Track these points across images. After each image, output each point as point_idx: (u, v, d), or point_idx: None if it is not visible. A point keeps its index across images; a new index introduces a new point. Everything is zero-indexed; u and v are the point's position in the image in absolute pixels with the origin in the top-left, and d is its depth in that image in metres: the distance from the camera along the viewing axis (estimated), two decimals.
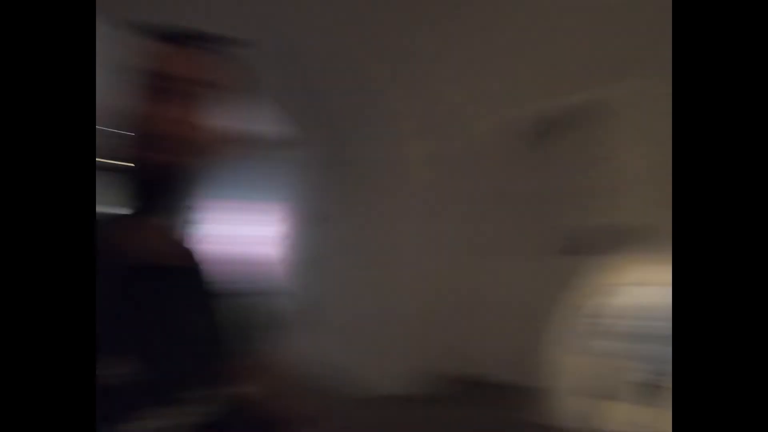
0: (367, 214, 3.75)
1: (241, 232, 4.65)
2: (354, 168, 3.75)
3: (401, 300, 4.16)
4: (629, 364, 4.03)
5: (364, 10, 3.39)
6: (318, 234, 4.32)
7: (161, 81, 1.12)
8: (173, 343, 1.04)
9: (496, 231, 4.60)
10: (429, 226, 4.31)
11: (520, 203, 4.59)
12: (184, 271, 1.14)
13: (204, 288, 1.16)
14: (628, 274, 4.01)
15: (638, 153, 3.87)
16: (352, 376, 3.96)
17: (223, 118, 1.12)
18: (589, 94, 3.92)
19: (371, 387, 3.98)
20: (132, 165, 1.13)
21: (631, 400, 4.07)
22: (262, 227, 6.64)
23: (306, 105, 4.04)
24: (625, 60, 3.54)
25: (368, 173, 3.79)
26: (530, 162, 4.48)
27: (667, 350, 3.40)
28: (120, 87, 1.12)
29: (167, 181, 1.13)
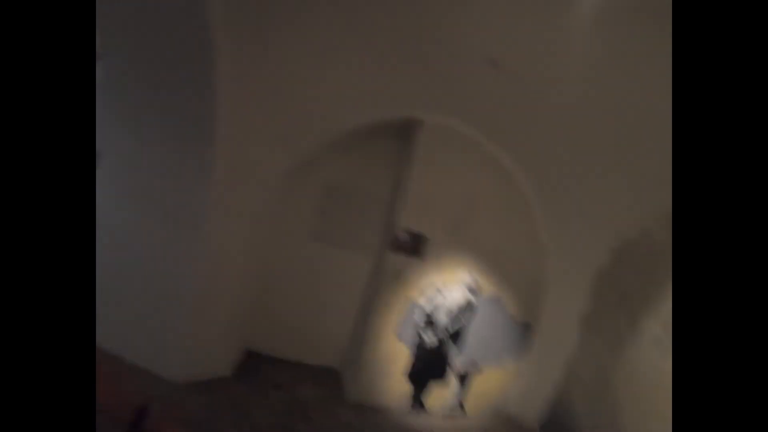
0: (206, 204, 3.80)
1: None
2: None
3: (226, 283, 4.12)
4: (445, 352, 4.77)
5: None
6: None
7: None
8: None
9: (329, 224, 5.04)
10: (268, 215, 4.48)
11: (356, 200, 5.12)
12: None
13: None
14: (446, 275, 4.73)
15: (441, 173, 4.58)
16: (174, 361, 3.82)
17: None
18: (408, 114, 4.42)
19: (194, 370, 3.94)
20: None
21: (448, 385, 4.81)
22: None
23: None
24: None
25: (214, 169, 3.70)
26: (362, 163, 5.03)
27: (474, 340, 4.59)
28: None
29: None
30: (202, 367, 3.96)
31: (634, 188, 4.11)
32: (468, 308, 4.76)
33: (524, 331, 5.04)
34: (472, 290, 4.77)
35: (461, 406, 4.88)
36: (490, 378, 4.97)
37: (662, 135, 3.34)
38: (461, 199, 4.68)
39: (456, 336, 4.78)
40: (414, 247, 4.55)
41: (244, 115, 3.58)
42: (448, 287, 4.69)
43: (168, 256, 3.75)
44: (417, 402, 4.76)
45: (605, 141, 3.97)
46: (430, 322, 4.67)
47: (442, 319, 4.70)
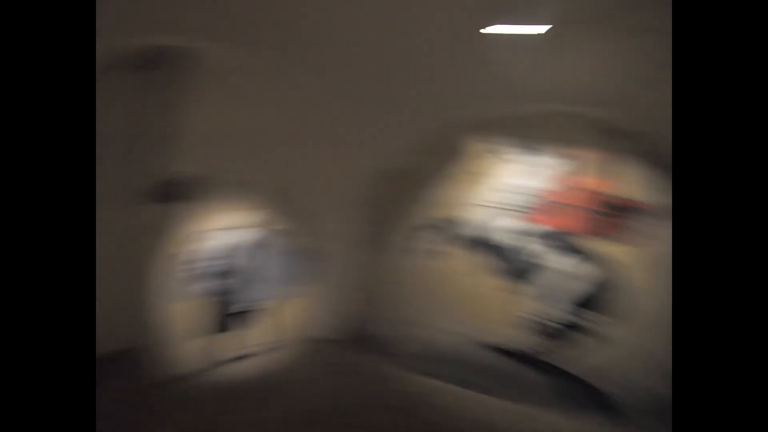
0: None
1: None
2: None
3: None
4: (225, 299, 4.59)
5: None
6: None
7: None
8: None
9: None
10: None
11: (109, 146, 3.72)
12: None
13: None
14: (212, 221, 4.29)
15: (214, 107, 3.80)
16: None
17: None
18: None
19: None
20: None
21: (233, 328, 4.67)
22: None
23: None
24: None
25: None
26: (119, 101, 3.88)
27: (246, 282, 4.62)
28: None
29: None
30: None
31: (396, 120, 4.50)
32: (251, 245, 4.61)
33: (313, 257, 5.12)
34: (256, 227, 4.59)
35: (267, 342, 4.80)
36: (290, 308, 5.02)
37: (425, 71, 3.92)
38: (236, 134, 4.02)
39: (246, 276, 4.60)
40: (179, 192, 3.74)
41: None
42: (228, 229, 4.36)
43: None
44: (222, 353, 4.41)
45: (377, 74, 4.01)
46: (217, 269, 4.31)
47: (224, 263, 4.38)
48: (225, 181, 4.10)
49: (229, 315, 4.52)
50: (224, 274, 4.43)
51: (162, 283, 3.99)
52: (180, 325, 4.16)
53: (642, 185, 3.91)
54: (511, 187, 4.64)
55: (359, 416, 3.53)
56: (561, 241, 4.36)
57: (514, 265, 4.51)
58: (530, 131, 4.28)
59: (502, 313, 4.51)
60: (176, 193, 3.77)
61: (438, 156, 4.74)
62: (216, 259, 4.36)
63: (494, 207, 4.74)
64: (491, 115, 4.36)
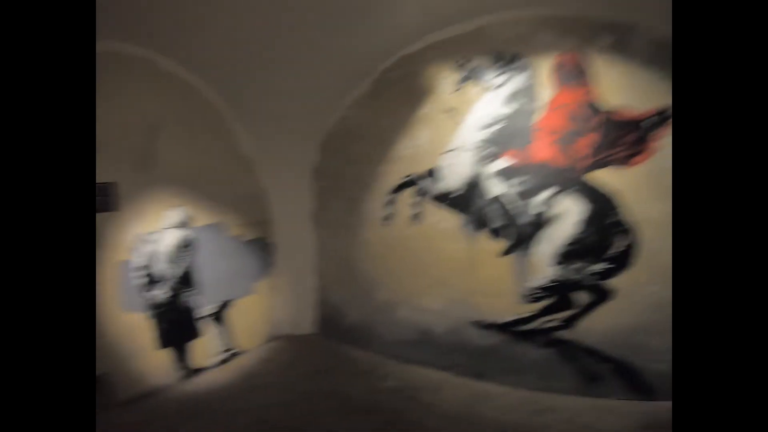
0: None
1: None
2: None
3: None
4: (185, 301, 4.26)
5: None
6: None
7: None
8: None
9: None
10: None
11: None
12: None
13: None
14: (150, 218, 4.08)
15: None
16: None
17: None
18: None
19: None
20: None
21: (207, 332, 4.42)
22: None
23: None
24: None
25: None
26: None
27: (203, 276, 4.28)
28: None
29: None
30: None
31: (324, 82, 4.30)
32: (186, 246, 4.27)
33: (262, 248, 4.98)
34: (183, 225, 4.25)
35: (230, 347, 4.57)
36: (248, 307, 4.77)
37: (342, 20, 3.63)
38: (143, 130, 3.94)
39: (187, 280, 4.27)
40: (102, 200, 3.67)
41: None
42: (157, 231, 4.07)
43: None
44: (185, 366, 4.19)
45: (284, 39, 3.81)
46: (151, 276, 4.03)
47: (163, 268, 4.09)
48: (142, 179, 3.93)
49: (179, 324, 4.22)
50: (162, 282, 4.09)
51: (113, 295, 3.69)
52: (133, 344, 3.84)
53: (637, 90, 3.33)
54: (493, 119, 3.83)
55: (340, 421, 3.36)
56: (557, 180, 3.61)
57: (510, 221, 3.77)
58: (504, 44, 3.74)
59: (499, 283, 3.78)
60: (100, 203, 3.64)
61: (401, 97, 4.27)
62: (148, 267, 4.00)
63: (479, 149, 3.90)
64: (456, 32, 3.91)
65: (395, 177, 4.32)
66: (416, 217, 4.19)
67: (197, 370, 4.23)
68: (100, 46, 3.47)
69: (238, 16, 3.57)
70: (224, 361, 4.45)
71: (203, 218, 4.35)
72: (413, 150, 4.20)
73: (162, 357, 3.99)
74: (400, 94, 4.24)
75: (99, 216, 3.54)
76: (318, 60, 4.05)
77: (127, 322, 3.74)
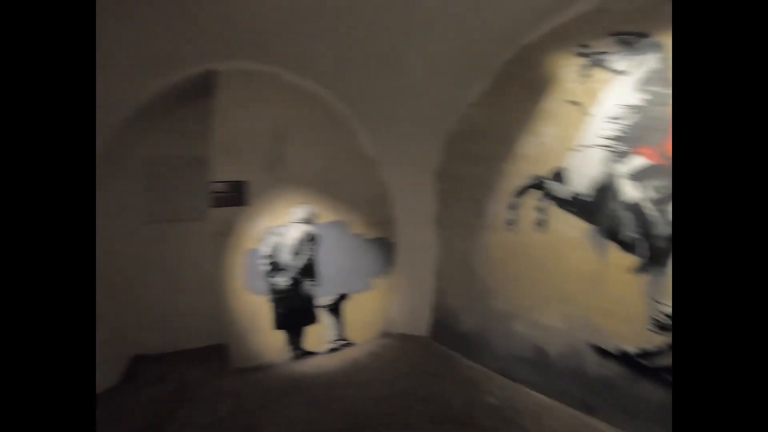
0: None
1: None
2: None
3: None
4: (304, 291, 4.63)
5: None
6: None
7: None
8: None
9: (157, 200, 4.76)
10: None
11: (178, 168, 4.88)
12: None
13: None
14: (278, 214, 4.51)
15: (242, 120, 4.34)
16: None
17: None
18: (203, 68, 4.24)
19: None
20: None
21: (321, 320, 4.72)
22: None
23: None
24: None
25: None
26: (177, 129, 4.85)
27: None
28: None
29: None
30: None
31: (444, 80, 4.21)
32: (310, 240, 4.61)
33: (383, 247, 5.09)
34: (308, 221, 4.60)
35: (342, 338, 4.84)
36: (364, 302, 4.96)
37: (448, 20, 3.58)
38: (271, 135, 4.44)
39: (308, 271, 4.62)
40: (234, 196, 4.28)
41: None
42: (284, 225, 4.50)
43: None
44: (296, 348, 4.58)
45: (400, 39, 3.87)
46: (275, 265, 4.46)
47: (286, 258, 4.50)
48: (270, 179, 4.44)
49: (297, 311, 4.61)
50: (284, 271, 4.52)
51: (240, 278, 4.31)
52: (253, 323, 4.40)
53: None
54: (623, 110, 3.19)
55: (431, 428, 3.25)
56: None
57: (645, 232, 3.07)
58: (629, 22, 3.14)
59: (628, 304, 3.09)
60: (232, 197, 4.28)
61: (523, 90, 3.91)
62: (273, 256, 4.47)
63: (608, 146, 3.29)
64: (576, 12, 3.43)
65: (519, 177, 3.95)
66: (540, 223, 3.75)
67: (307, 354, 4.60)
68: (232, 65, 4.21)
69: (353, 24, 3.79)
70: (334, 350, 4.74)
71: (327, 216, 4.71)
72: (538, 148, 3.78)
73: (277, 337, 4.47)
74: (522, 87, 3.89)
75: (232, 209, 4.23)
76: (437, 58, 4.02)
77: (249, 303, 4.32)
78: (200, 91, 4.29)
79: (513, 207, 4.01)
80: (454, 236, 4.70)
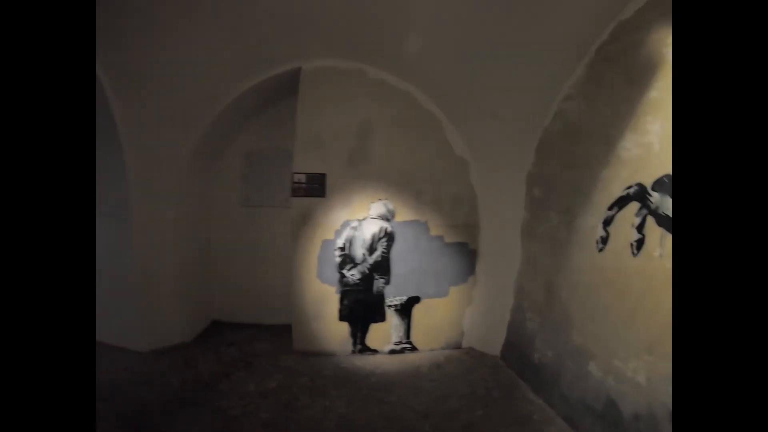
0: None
1: None
2: None
3: (163, 262, 4.49)
4: (374, 287, 4.58)
5: None
6: None
7: None
8: None
9: (252, 187, 5.32)
10: (196, 192, 4.83)
11: (270, 160, 5.34)
12: None
13: None
14: (355, 207, 4.53)
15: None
16: (135, 335, 4.44)
17: None
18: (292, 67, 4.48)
19: (155, 341, 4.48)
20: None
21: (388, 319, 4.61)
22: None
23: None
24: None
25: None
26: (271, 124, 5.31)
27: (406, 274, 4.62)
28: None
29: None
30: (162, 337, 4.52)
31: (535, 72, 3.72)
32: (385, 237, 4.50)
33: (463, 253, 4.71)
34: (385, 218, 4.51)
35: (408, 341, 4.67)
36: (436, 308, 4.70)
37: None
38: (354, 129, 4.47)
39: (381, 268, 4.54)
40: (313, 187, 4.43)
41: (140, 116, 3.95)
42: (361, 219, 4.50)
43: (108, 247, 4.23)
44: (359, 343, 4.59)
45: (493, 32, 3.54)
46: (348, 258, 4.49)
47: (360, 252, 4.49)
48: (351, 172, 4.51)
49: (364, 306, 4.58)
50: (357, 264, 4.53)
51: (313, 266, 4.50)
52: (319, 310, 4.54)
53: None
54: None
55: None
56: None
57: None
58: None
59: None
60: (312, 188, 4.47)
61: (623, 78, 3.10)
62: (346, 249, 4.52)
63: None
64: None
65: (619, 185, 3.14)
66: (637, 245, 2.93)
67: (369, 350, 4.58)
68: (318, 62, 4.40)
69: (440, 17, 3.61)
70: (396, 352, 4.61)
71: (407, 214, 4.59)
72: (642, 149, 2.94)
73: (341, 328, 4.55)
74: (620, 73, 3.10)
75: (312, 200, 4.45)
76: (525, 49, 3.55)
77: (319, 291, 4.50)
78: (290, 88, 4.60)
79: (607, 222, 3.24)
80: (540, 250, 4.05)
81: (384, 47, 4.20)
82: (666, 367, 2.61)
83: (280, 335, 4.88)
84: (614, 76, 3.19)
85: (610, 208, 3.20)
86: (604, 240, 3.25)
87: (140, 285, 4.34)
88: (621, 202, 3.10)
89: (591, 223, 3.40)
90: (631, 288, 2.96)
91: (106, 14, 3.19)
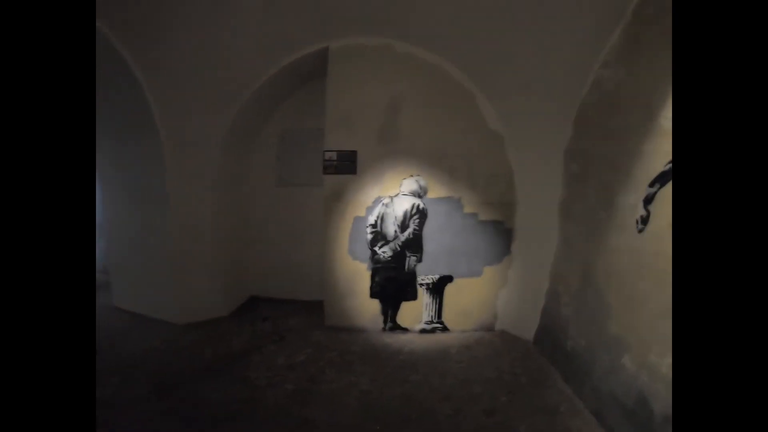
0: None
1: None
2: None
3: (201, 240, 4.70)
4: (405, 265, 4.55)
5: None
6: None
7: None
8: None
9: (287, 166, 5.46)
10: (232, 172, 5.04)
11: (303, 139, 5.42)
12: None
13: None
14: (386, 184, 4.48)
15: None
16: (174, 308, 4.71)
17: None
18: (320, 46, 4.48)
19: (192, 314, 4.74)
20: None
21: (420, 297, 4.57)
22: None
23: None
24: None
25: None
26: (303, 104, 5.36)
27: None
28: None
29: None
30: (199, 311, 4.79)
31: (569, 39, 3.36)
32: (418, 214, 4.44)
33: (498, 232, 4.50)
34: (417, 194, 4.42)
35: (439, 321, 4.61)
36: (469, 288, 4.57)
37: None
38: (383, 105, 4.38)
39: (413, 246, 4.49)
40: (344, 164, 4.44)
41: (174, 102, 4.14)
42: (393, 196, 4.46)
43: (149, 228, 4.65)
44: (389, 320, 4.62)
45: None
46: (380, 235, 4.48)
47: (392, 230, 4.47)
48: (381, 149, 4.45)
49: (395, 284, 4.55)
50: (388, 241, 4.49)
51: (345, 243, 4.54)
52: (351, 287, 4.59)
53: None
54: None
55: None
56: None
57: None
58: None
59: None
60: (342, 165, 4.48)
61: (663, 40, 2.66)
62: (377, 225, 4.49)
63: None
64: None
65: (661, 160, 2.77)
66: None
67: (399, 328, 4.60)
68: (346, 40, 4.33)
69: None
70: (425, 331, 4.57)
71: (439, 191, 4.46)
72: None
73: (372, 305, 4.59)
74: (661, 35, 2.68)
75: (343, 177, 4.46)
76: (559, 14, 3.23)
77: (351, 268, 4.55)
78: (320, 67, 4.59)
79: (648, 200, 2.89)
80: (577, 231, 3.74)
81: (411, 20, 4.02)
82: None
83: (314, 311, 5.06)
84: (654, 38, 2.78)
85: (651, 185, 2.85)
86: (645, 220, 2.92)
87: (179, 262, 4.61)
88: (663, 178, 2.75)
89: (630, 201, 3.06)
90: (668, 270, 2.66)
91: (138, 7, 3.40)
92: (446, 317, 4.61)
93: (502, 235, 4.51)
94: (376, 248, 4.52)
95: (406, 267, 4.54)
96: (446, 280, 4.56)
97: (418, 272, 4.55)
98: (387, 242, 4.51)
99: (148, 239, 4.65)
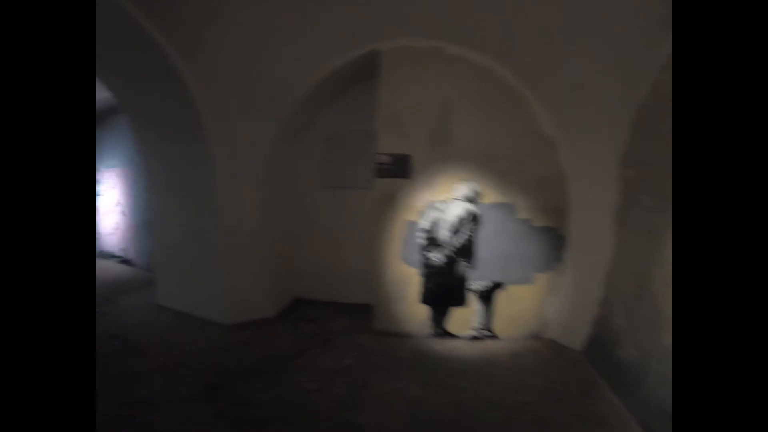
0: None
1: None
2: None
3: (248, 242, 4.79)
4: (457, 271, 4.57)
5: None
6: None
7: None
8: None
9: (334, 169, 5.52)
10: (280, 175, 5.15)
11: (351, 143, 5.46)
12: None
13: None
14: (439, 189, 4.52)
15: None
16: (221, 309, 4.82)
17: None
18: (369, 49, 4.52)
19: (239, 315, 4.85)
20: None
21: (470, 304, 4.60)
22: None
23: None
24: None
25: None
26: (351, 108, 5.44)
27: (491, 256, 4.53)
28: None
29: None
30: (245, 312, 4.90)
31: (626, 38, 3.31)
32: (471, 219, 4.42)
33: (551, 238, 4.42)
34: (470, 199, 4.41)
35: (488, 328, 4.59)
36: (520, 296, 4.53)
37: None
38: (434, 108, 4.39)
39: (465, 251, 4.48)
40: (397, 168, 4.47)
41: (223, 108, 4.27)
42: (445, 201, 4.46)
43: (196, 228, 4.79)
44: (438, 326, 4.64)
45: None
46: (432, 240, 4.50)
47: (444, 235, 4.47)
48: (434, 153, 4.47)
49: (446, 290, 4.54)
50: (441, 247, 4.49)
51: (396, 247, 4.59)
52: (400, 291, 4.63)
53: None
54: None
55: None
56: None
57: None
58: None
59: None
60: (396, 169, 4.51)
61: None
62: (431, 231, 4.49)
63: None
64: None
65: None
66: None
67: (448, 335, 4.61)
68: (395, 43, 4.37)
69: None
70: (474, 338, 4.57)
71: (493, 196, 4.45)
72: None
73: (422, 311, 4.64)
74: None
75: (395, 181, 4.53)
76: (615, 11, 3.18)
77: (402, 273, 4.63)
78: (366, 71, 4.67)
79: None
80: (633, 239, 3.62)
81: (462, 22, 4.03)
82: None
83: (359, 314, 5.16)
84: None
85: None
86: None
87: (226, 264, 4.73)
88: None
89: None
90: None
91: (183, 15, 3.60)
92: (495, 324, 4.59)
93: (555, 241, 4.43)
94: (429, 253, 4.56)
95: (458, 273, 4.56)
96: (497, 286, 4.54)
97: (469, 279, 4.56)
98: (440, 247, 4.54)
99: (196, 239, 4.81)
